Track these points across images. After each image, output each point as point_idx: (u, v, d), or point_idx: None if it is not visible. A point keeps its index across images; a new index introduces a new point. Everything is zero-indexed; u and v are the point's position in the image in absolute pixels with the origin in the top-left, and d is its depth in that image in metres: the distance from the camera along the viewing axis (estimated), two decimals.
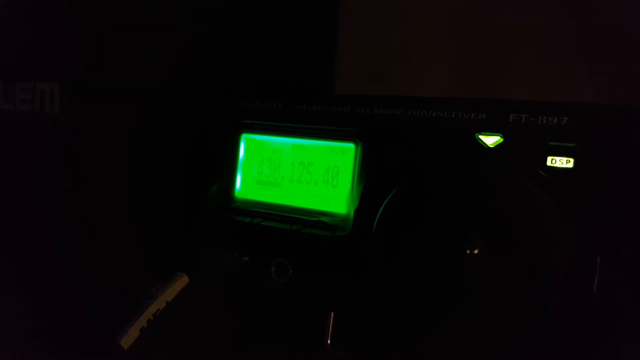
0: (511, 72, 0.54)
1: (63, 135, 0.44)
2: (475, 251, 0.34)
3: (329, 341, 0.41)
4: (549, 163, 0.35)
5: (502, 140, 0.36)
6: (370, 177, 0.40)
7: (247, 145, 0.46)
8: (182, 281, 0.43)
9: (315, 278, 0.41)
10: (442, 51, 0.58)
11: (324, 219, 0.42)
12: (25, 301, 0.42)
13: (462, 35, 0.57)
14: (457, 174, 0.36)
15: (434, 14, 0.59)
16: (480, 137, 0.37)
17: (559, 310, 0.33)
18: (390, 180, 0.38)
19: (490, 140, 0.36)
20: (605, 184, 0.33)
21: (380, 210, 0.38)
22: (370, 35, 0.60)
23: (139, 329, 0.40)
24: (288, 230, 0.42)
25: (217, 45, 0.49)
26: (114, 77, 0.44)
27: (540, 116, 0.35)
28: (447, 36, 0.58)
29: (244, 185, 0.47)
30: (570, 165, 0.34)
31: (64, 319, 0.43)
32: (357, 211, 0.40)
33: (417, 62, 0.59)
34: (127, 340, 0.40)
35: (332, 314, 0.41)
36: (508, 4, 0.55)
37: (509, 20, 0.55)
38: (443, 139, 0.38)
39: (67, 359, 0.43)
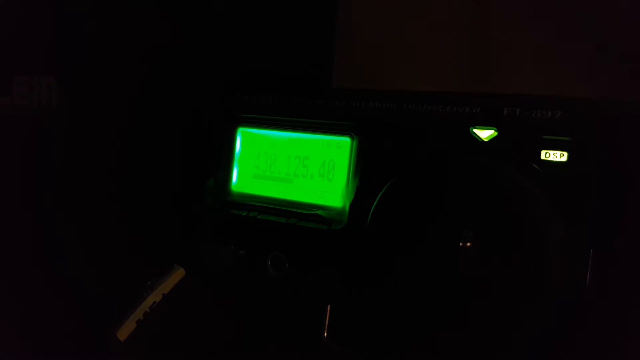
0: (510, 70, 0.55)
1: (60, 129, 0.44)
2: (469, 244, 0.35)
3: (325, 334, 0.42)
4: (543, 157, 0.35)
5: (496, 134, 0.36)
6: (365, 171, 0.40)
7: (244, 139, 0.47)
8: (179, 274, 0.43)
9: (311, 271, 0.42)
10: (441, 47, 0.58)
11: (319, 212, 0.42)
12: (19, 298, 0.42)
13: (461, 32, 0.57)
14: (452, 168, 0.36)
15: (433, 10, 0.59)
16: (475, 130, 0.37)
17: (551, 303, 0.33)
18: (385, 174, 0.38)
19: (485, 134, 0.36)
20: (599, 178, 0.33)
21: (375, 203, 0.38)
22: (368, 30, 0.60)
23: (136, 321, 0.40)
24: (284, 223, 0.42)
25: (214, 38, 0.49)
26: (110, 70, 0.44)
27: (534, 110, 0.35)
28: (446, 32, 0.58)
29: (240, 179, 0.47)
30: (564, 159, 0.34)
31: (60, 316, 0.43)
32: (353, 204, 0.40)
33: (414, 57, 0.59)
34: (124, 332, 0.40)
35: (329, 307, 0.42)
36: (508, 3, 0.55)
37: (509, 19, 0.55)
38: (438, 132, 0.38)
39: (66, 356, 0.44)
